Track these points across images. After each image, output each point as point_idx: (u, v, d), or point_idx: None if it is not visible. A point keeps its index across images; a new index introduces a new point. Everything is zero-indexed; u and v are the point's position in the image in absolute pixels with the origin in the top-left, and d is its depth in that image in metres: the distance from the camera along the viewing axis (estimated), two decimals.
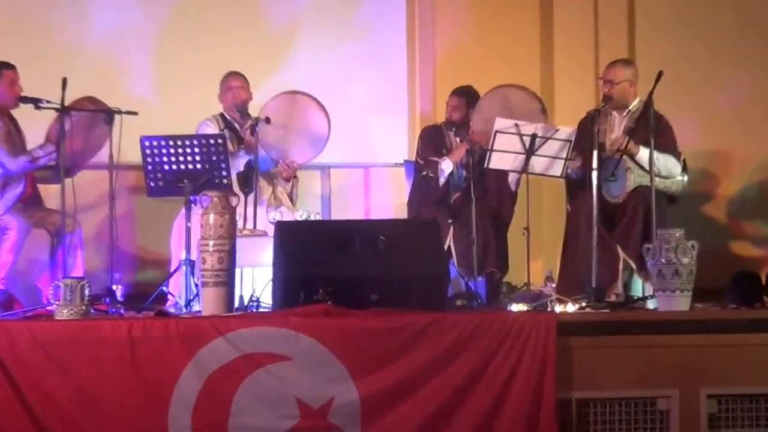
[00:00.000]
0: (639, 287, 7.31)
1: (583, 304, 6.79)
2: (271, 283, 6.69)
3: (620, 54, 8.18)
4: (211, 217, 6.48)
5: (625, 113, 7.52)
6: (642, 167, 7.23)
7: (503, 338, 6.18)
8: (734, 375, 6.36)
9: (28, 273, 7.50)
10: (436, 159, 7.72)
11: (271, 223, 7.13)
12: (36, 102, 7.14)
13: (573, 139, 7.12)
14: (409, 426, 6.11)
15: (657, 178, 7.14)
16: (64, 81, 6.91)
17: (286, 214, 7.60)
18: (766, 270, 7.74)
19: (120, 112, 7.11)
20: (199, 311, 6.57)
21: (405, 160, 8.47)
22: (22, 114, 7.50)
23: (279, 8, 8.74)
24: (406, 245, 6.59)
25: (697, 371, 6.34)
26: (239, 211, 6.92)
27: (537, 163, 7.12)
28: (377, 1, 8.84)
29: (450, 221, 7.58)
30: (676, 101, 7.91)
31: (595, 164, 7.05)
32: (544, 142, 7.09)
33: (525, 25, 8.87)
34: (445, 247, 7.44)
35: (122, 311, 6.69)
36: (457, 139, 7.84)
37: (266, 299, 6.81)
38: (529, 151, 7.08)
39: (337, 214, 8.60)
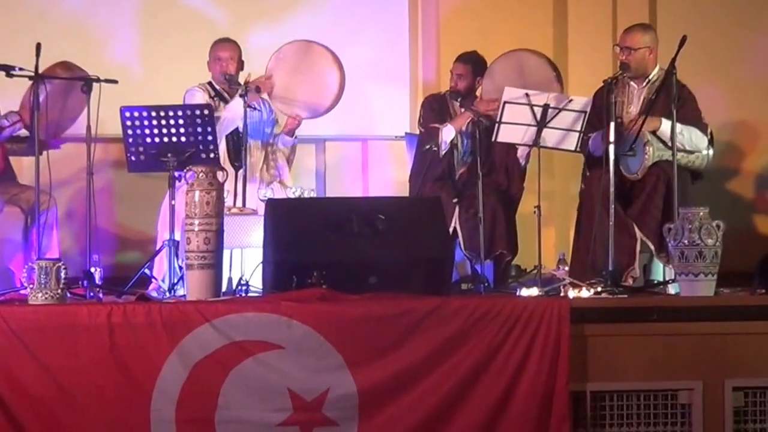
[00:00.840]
0: (659, 271, 7.25)
1: (599, 288, 6.70)
2: (261, 266, 6.62)
3: (640, 18, 8.18)
4: (197, 194, 6.35)
5: (644, 83, 7.40)
6: (664, 142, 7.14)
7: (512, 325, 6.05)
8: (762, 366, 6.24)
9: (0, 254, 7.33)
10: (437, 125, 7.66)
11: (262, 200, 7.04)
12: (8, 69, 6.94)
13: (588, 110, 7.02)
14: (410, 420, 5.99)
15: (679, 153, 7.06)
16: (38, 46, 6.75)
17: (278, 191, 7.57)
18: None
19: (99, 81, 6.95)
20: (184, 296, 6.49)
21: (406, 133, 8.44)
22: None
23: None
24: (408, 225, 6.55)
25: (722, 362, 6.23)
26: (227, 187, 6.80)
27: (549, 137, 7.02)
28: None
29: (455, 200, 7.52)
30: (698, 69, 7.95)
31: (612, 137, 6.94)
32: (557, 114, 6.98)
33: None
34: (450, 229, 7.39)
35: (101, 296, 6.58)
36: (462, 110, 7.77)
37: (256, 283, 6.73)
38: (541, 123, 6.98)
39: (333, 191, 8.60)
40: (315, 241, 6.39)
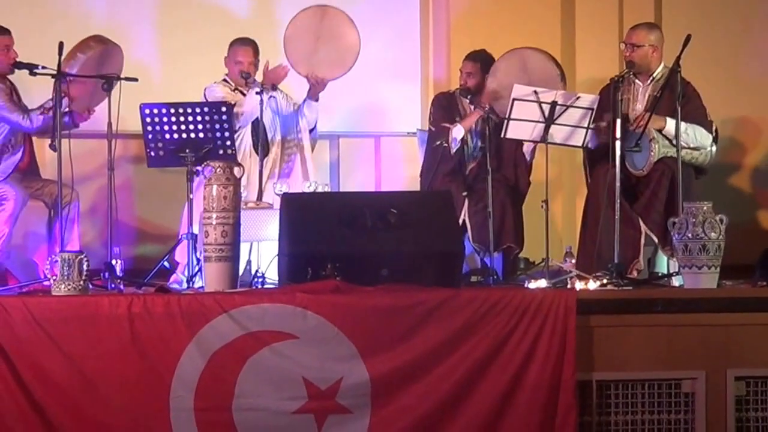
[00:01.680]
0: (663, 264, 7.23)
1: (605, 281, 6.69)
2: (277, 258, 6.61)
3: (646, 17, 8.14)
4: (215, 188, 6.37)
5: (648, 81, 7.39)
6: (669, 139, 7.12)
7: (520, 317, 6.08)
8: (764, 356, 6.24)
9: (24, 247, 7.36)
10: (447, 125, 7.63)
11: (278, 195, 7.08)
12: (31, 68, 7.03)
13: (595, 107, 7.02)
14: (421, 408, 6.01)
15: (683, 150, 7.03)
16: (61, 45, 6.81)
17: (293, 186, 7.57)
18: None
19: (119, 79, 7.00)
20: (202, 287, 6.51)
21: (418, 129, 8.38)
22: (18, 81, 7.43)
23: None
24: (419, 218, 6.51)
25: (725, 352, 6.24)
26: (244, 182, 6.88)
27: (557, 133, 7.03)
28: None
29: (465, 194, 7.52)
30: (702, 67, 7.82)
31: (618, 134, 6.93)
32: (565, 110, 6.99)
33: None
34: (460, 222, 7.38)
35: (121, 287, 6.62)
36: (471, 107, 7.76)
37: (272, 275, 6.75)
38: (549, 120, 6.98)
39: (347, 186, 8.58)
40: (329, 234, 6.37)
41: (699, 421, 6.20)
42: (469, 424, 6.00)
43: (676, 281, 6.83)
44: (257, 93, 7.49)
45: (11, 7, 8.12)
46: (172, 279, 7.13)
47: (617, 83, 6.99)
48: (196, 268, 6.75)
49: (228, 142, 7.00)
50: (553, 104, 6.95)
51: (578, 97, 7.04)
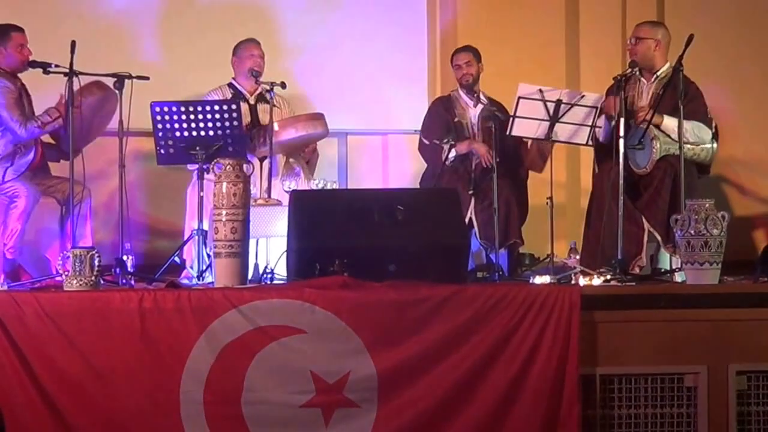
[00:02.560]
0: (666, 260, 7.24)
1: (609, 276, 6.71)
2: (285, 254, 6.62)
3: (649, 15, 8.15)
4: (224, 185, 6.40)
5: (653, 79, 7.39)
6: (669, 135, 7.11)
7: (525, 312, 6.11)
8: (765, 351, 6.26)
9: (37, 243, 7.36)
10: (437, 142, 7.63)
11: (286, 192, 7.07)
12: (45, 66, 7.05)
13: (600, 105, 7.04)
14: (428, 401, 6.05)
15: (685, 146, 7.01)
16: (73, 44, 6.82)
17: (302, 183, 7.58)
18: None
19: (131, 77, 7.02)
20: (212, 283, 6.52)
21: None
22: (31, 79, 7.43)
23: None
24: (426, 215, 6.54)
25: (726, 347, 6.25)
26: (253, 179, 6.85)
27: (561, 131, 7.03)
28: None
29: (470, 191, 7.51)
30: (706, 66, 7.81)
31: (622, 131, 6.93)
32: (569, 109, 7.00)
33: None
34: (466, 219, 7.37)
35: (132, 282, 6.64)
36: (471, 103, 7.78)
37: (281, 271, 6.75)
38: (554, 118, 6.99)
39: (354, 183, 8.55)
40: (337, 231, 6.40)
41: (701, 415, 6.21)
42: (475, 418, 6.03)
43: (678, 277, 6.83)
44: (267, 92, 7.50)
45: (21, 5, 8.12)
46: (183, 275, 7.14)
47: (620, 81, 6.99)
48: (207, 264, 6.77)
49: (237, 140, 7.02)
50: (558, 102, 6.96)
51: (583, 96, 7.05)
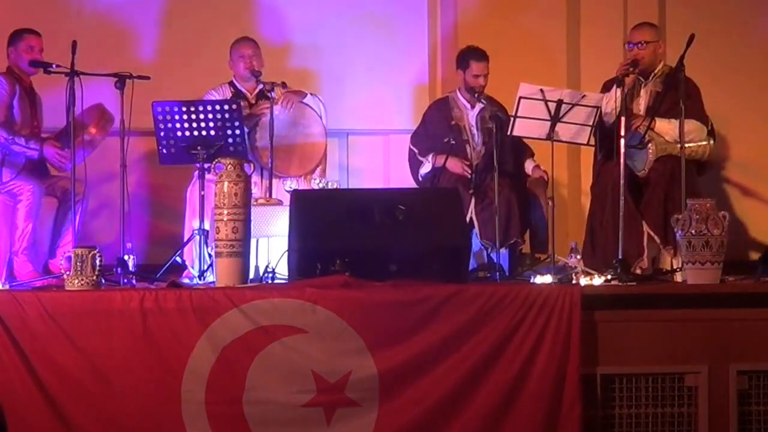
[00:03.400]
0: (668, 261, 7.17)
1: (609, 276, 6.69)
2: (287, 254, 6.62)
3: (650, 16, 8.12)
4: (225, 185, 6.41)
5: (650, 78, 7.42)
6: (663, 137, 7.12)
7: (526, 311, 6.12)
8: (766, 351, 6.27)
9: (33, 241, 7.31)
10: (421, 159, 7.68)
11: (287, 191, 7.08)
12: (45, 66, 7.09)
13: (601, 105, 7.03)
14: (428, 401, 6.06)
15: (678, 145, 6.97)
16: (74, 44, 6.85)
17: (302, 183, 7.58)
18: None
19: (132, 77, 7.02)
20: (213, 282, 6.53)
21: None
22: (32, 79, 7.44)
23: None
24: (427, 215, 6.55)
25: (727, 346, 6.27)
26: (254, 179, 6.87)
27: (563, 131, 7.01)
28: None
29: (471, 191, 7.49)
30: (706, 66, 7.79)
31: (623, 131, 6.91)
32: (571, 109, 6.98)
33: None
34: (467, 220, 7.36)
35: (134, 282, 6.65)
36: (469, 105, 7.75)
37: (282, 270, 6.75)
38: (555, 118, 6.97)
39: (356, 183, 8.55)
40: (338, 231, 6.40)
41: (702, 414, 6.23)
42: (476, 417, 6.04)
43: (679, 277, 6.83)
44: (268, 91, 7.49)
45: (21, 5, 8.12)
46: (184, 274, 7.15)
47: (621, 81, 6.99)
48: (208, 263, 6.79)
49: (239, 140, 7.03)
50: (559, 102, 6.94)
51: (584, 96, 7.04)
